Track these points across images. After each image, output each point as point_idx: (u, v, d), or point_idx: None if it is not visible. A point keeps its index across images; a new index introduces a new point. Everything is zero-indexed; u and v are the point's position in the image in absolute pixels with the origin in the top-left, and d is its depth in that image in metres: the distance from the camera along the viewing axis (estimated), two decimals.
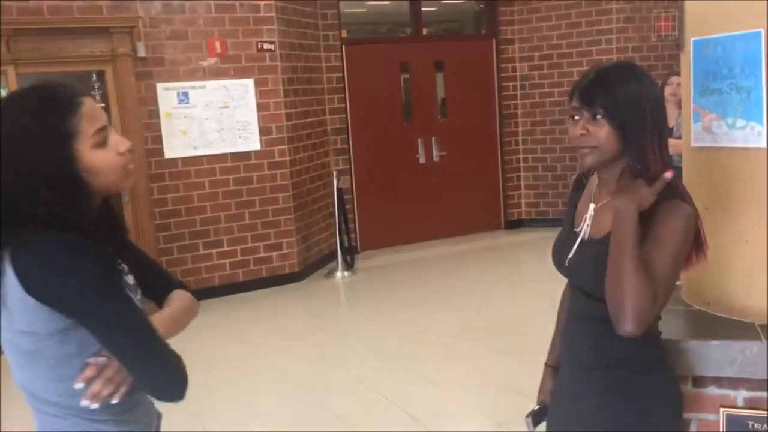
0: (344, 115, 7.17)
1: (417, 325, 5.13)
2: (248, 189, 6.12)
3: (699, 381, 1.84)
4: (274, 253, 6.29)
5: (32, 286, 1.27)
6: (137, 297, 1.49)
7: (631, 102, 1.58)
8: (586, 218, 1.70)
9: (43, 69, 5.03)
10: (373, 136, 7.34)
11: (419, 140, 7.60)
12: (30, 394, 1.38)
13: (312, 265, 6.66)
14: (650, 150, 1.59)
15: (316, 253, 6.79)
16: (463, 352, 4.54)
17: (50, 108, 1.32)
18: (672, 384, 1.73)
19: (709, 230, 1.77)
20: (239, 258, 6.15)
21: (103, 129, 1.37)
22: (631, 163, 1.62)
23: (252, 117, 6.06)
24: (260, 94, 6.07)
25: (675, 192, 1.60)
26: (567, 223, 1.79)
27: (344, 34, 7.20)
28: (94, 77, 5.33)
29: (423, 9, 7.69)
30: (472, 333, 4.86)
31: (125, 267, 1.48)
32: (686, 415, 1.80)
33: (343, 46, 7.11)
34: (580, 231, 1.71)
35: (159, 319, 1.47)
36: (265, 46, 6.05)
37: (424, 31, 7.79)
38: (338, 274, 6.56)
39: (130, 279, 1.49)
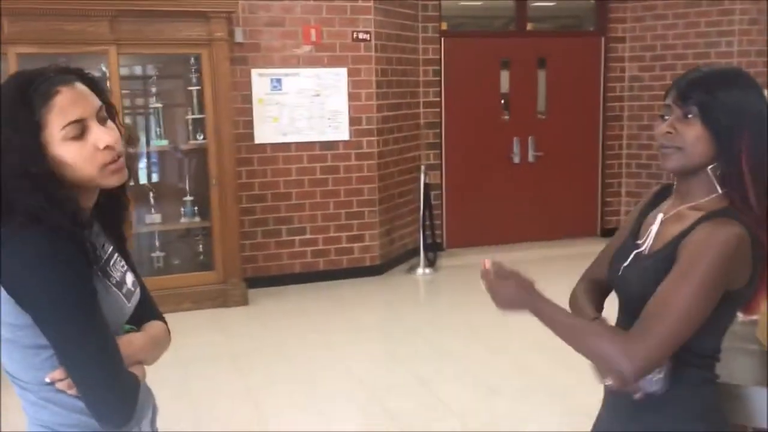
0: (438, 109, 7.03)
1: (491, 331, 4.95)
2: (334, 178, 6.11)
3: None
4: (356, 245, 6.26)
5: (2, 278, 1.26)
6: (130, 303, 1.44)
7: (730, 107, 1.41)
8: (651, 230, 1.53)
9: (142, 50, 5.21)
10: (467, 132, 7.16)
11: (515, 139, 7.35)
12: (15, 382, 1.36)
13: (394, 260, 6.58)
14: (746, 163, 1.40)
15: (399, 248, 6.71)
16: (534, 365, 4.33)
17: (21, 97, 1.28)
18: None
19: None
20: (321, 247, 6.16)
21: (79, 121, 1.30)
22: (718, 174, 1.44)
23: (343, 106, 6.03)
24: (352, 83, 6.04)
25: (726, 209, 1.40)
26: (631, 232, 1.61)
27: (444, 26, 7.05)
28: (192, 60, 5.46)
29: (532, 4, 7.41)
30: (546, 345, 4.57)
31: (123, 268, 1.44)
32: None
33: (442, 39, 6.96)
34: (643, 243, 1.54)
35: (143, 339, 1.43)
36: (361, 35, 6.00)
37: (529, 27, 7.51)
38: (419, 270, 6.45)
39: (129, 280, 1.45)
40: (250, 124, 5.83)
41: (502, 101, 7.43)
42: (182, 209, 5.63)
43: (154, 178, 5.73)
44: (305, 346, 4.74)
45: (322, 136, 6.01)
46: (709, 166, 1.43)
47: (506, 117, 7.43)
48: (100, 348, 1.29)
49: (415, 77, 6.82)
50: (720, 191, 1.44)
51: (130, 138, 5.25)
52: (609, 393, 1.62)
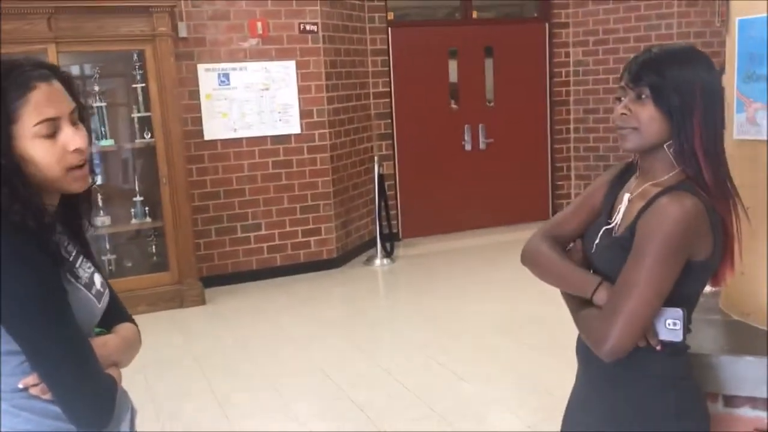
0: (388, 100, 7.02)
1: (452, 318, 4.99)
2: (287, 173, 6.05)
3: (731, 401, 1.66)
4: (313, 239, 6.21)
5: None
6: (101, 303, 1.40)
7: (681, 85, 1.44)
8: (620, 209, 1.57)
9: (83, 48, 5.06)
10: (418, 122, 7.18)
11: (466, 126, 7.40)
12: None
13: (351, 252, 6.56)
14: (698, 141, 1.43)
15: (356, 240, 6.70)
16: (496, 348, 4.37)
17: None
18: (698, 402, 1.55)
19: (751, 232, 1.58)
20: (277, 242, 6.10)
21: (53, 120, 1.26)
22: (673, 152, 1.46)
23: (293, 100, 5.97)
24: (302, 76, 5.98)
25: (682, 182, 1.43)
26: (604, 209, 1.63)
27: (391, 16, 7.03)
28: (135, 57, 5.33)
29: None
30: (506, 328, 4.69)
31: (90, 269, 1.40)
32: None
33: (389, 29, 6.95)
34: (613, 221, 1.57)
35: (117, 340, 1.40)
36: (308, 27, 5.94)
37: (474, 15, 7.55)
38: (377, 261, 6.45)
39: (97, 281, 1.40)
40: (198, 121, 5.72)
41: (451, 90, 7.47)
42: (132, 210, 5.50)
43: (101, 179, 5.57)
44: (267, 343, 4.69)
45: (273, 131, 5.94)
46: (665, 144, 1.46)
47: (456, 106, 7.47)
48: (74, 350, 1.24)
49: (364, 68, 6.80)
50: (678, 168, 1.47)
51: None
52: (582, 364, 1.64)
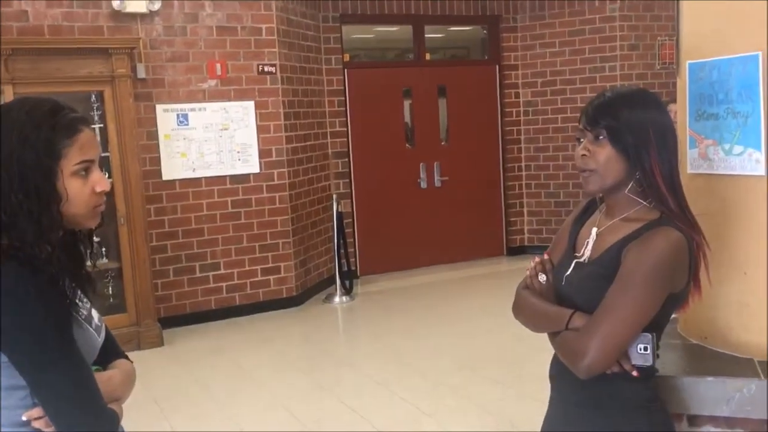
0: (345, 139, 7.13)
1: (413, 354, 5.03)
2: (246, 212, 6.06)
3: (694, 420, 1.75)
4: (272, 277, 6.21)
5: None
6: (100, 337, 1.43)
7: (634, 125, 1.55)
8: (588, 242, 1.65)
9: (40, 89, 4.99)
10: (374, 160, 7.29)
11: (421, 165, 7.55)
12: None
13: (310, 290, 6.57)
14: (658, 174, 1.54)
15: (315, 278, 6.71)
16: (459, 383, 4.43)
17: (51, 121, 1.33)
18: (667, 423, 1.64)
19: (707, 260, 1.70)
20: (236, 281, 6.07)
21: (89, 162, 1.37)
22: (636, 188, 1.57)
23: (252, 139, 6.02)
24: (260, 116, 6.04)
25: (662, 218, 1.54)
26: (569, 243, 1.73)
27: (347, 58, 7.19)
28: (93, 98, 5.31)
29: (428, 35, 7.68)
30: (469, 362, 4.76)
31: (87, 304, 1.43)
32: None
33: (346, 70, 7.09)
34: (582, 254, 1.66)
35: (119, 377, 1.45)
36: (266, 68, 6.03)
37: (427, 56, 7.77)
38: (336, 299, 6.47)
39: (95, 315, 1.44)
40: (157, 161, 5.72)
41: (406, 129, 7.63)
42: (88, 252, 5.41)
43: None
44: (228, 383, 4.64)
45: (232, 170, 5.96)
46: (629, 184, 1.57)
47: (411, 145, 7.62)
48: (80, 384, 1.26)
49: (322, 108, 6.90)
50: (644, 203, 1.58)
51: None
52: (556, 389, 1.71)
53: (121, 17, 5.51)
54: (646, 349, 1.52)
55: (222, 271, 6.01)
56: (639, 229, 1.55)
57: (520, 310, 1.73)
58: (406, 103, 7.57)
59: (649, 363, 1.52)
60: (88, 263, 1.55)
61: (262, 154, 6.06)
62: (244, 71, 5.97)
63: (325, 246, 6.83)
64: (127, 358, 1.54)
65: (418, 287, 6.92)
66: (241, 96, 5.96)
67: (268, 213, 6.14)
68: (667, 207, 1.55)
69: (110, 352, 1.50)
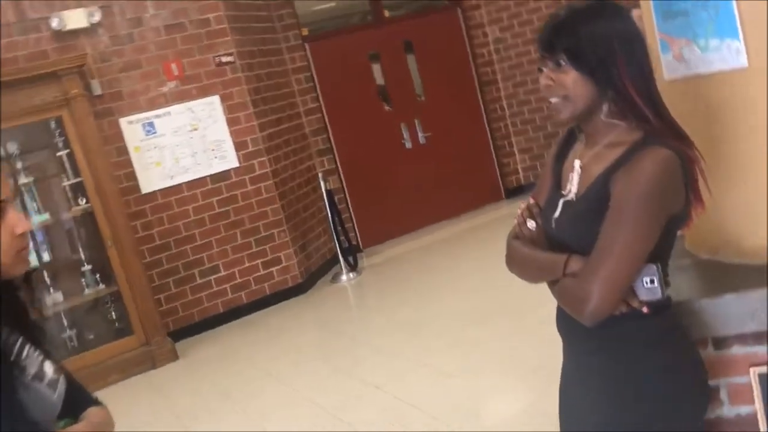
0: (320, 114, 6.94)
1: (427, 318, 4.92)
2: (234, 208, 5.91)
3: (720, 342, 1.62)
4: (274, 269, 6.08)
5: None
6: (56, 392, 1.30)
7: (596, 40, 1.39)
8: (572, 177, 1.51)
9: None
10: (354, 131, 7.11)
11: (401, 125, 7.38)
12: None
13: (315, 273, 6.46)
14: (632, 90, 1.39)
15: (318, 260, 6.59)
16: (477, 338, 4.32)
17: None
18: (689, 354, 1.51)
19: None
20: (239, 280, 5.95)
21: (1, 203, 1.21)
22: (612, 109, 1.43)
23: (224, 134, 5.84)
24: (228, 109, 5.85)
25: (646, 137, 1.39)
26: (553, 181, 1.58)
27: (305, 32, 6.96)
28: (53, 125, 5.14)
29: None
30: (481, 317, 4.65)
31: (39, 358, 1.29)
32: (712, 383, 1.58)
33: (306, 45, 6.88)
34: (568, 191, 1.52)
35: (85, 429, 1.33)
36: (224, 59, 5.82)
37: (386, 14, 7.53)
38: (343, 277, 6.35)
39: (48, 369, 1.30)
40: (132, 175, 5.56)
41: (380, 92, 7.43)
42: (83, 280, 5.29)
43: (45, 256, 5.34)
44: (248, 384, 4.54)
45: (210, 170, 5.80)
46: (603, 106, 1.42)
47: (388, 107, 7.43)
48: None
49: (290, 88, 6.71)
50: (624, 124, 1.44)
51: None
52: (565, 340, 1.59)
53: (64, 36, 5.31)
54: (652, 281, 1.38)
55: (222, 273, 5.89)
56: (624, 154, 1.41)
57: (513, 263, 1.59)
58: (375, 67, 7.36)
59: (658, 296, 1.39)
60: (41, 309, 1.41)
61: (238, 146, 5.89)
62: (202, 66, 5.77)
63: (322, 226, 6.69)
64: (99, 403, 1.41)
65: (423, 249, 6.80)
66: (204, 92, 5.77)
67: (257, 205, 5.99)
68: (649, 123, 1.40)
69: (80, 402, 1.37)
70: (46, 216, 5.20)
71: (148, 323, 5.23)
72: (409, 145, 7.40)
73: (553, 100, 1.44)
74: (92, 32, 5.40)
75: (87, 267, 5.31)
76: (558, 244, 1.50)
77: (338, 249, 6.43)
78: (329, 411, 3.85)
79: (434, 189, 7.46)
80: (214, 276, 5.86)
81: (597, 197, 1.42)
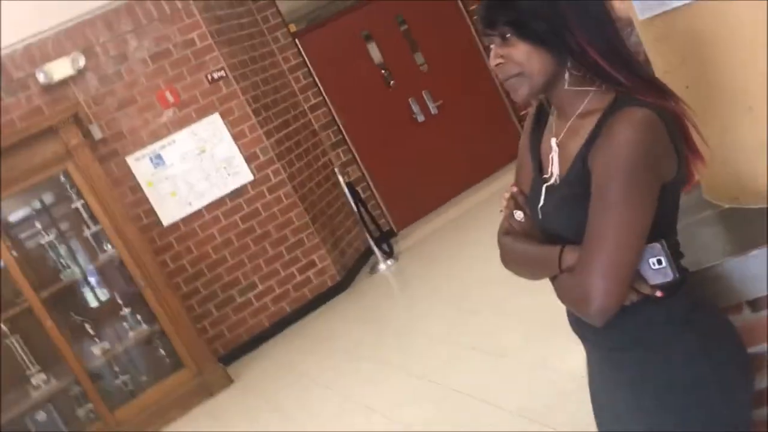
0: (326, 108, 6.80)
1: (472, 292, 4.78)
2: (258, 222, 5.83)
3: (756, 304, 1.44)
4: (310, 273, 6.00)
5: None
6: None
7: (538, 9, 1.23)
8: (552, 158, 1.35)
9: (6, 193, 4.82)
10: (363, 116, 6.95)
11: (410, 100, 7.18)
12: None
13: (353, 269, 6.36)
14: (593, 52, 1.22)
15: (353, 254, 6.49)
16: (527, 307, 4.14)
17: None
18: (721, 328, 1.34)
19: (702, 110, 1.37)
20: (278, 291, 5.89)
21: None
22: (576, 75, 1.26)
23: (232, 150, 5.75)
24: (231, 124, 5.76)
25: (619, 99, 1.22)
26: (533, 164, 1.42)
27: (293, 28, 6.80)
28: (62, 179, 5.11)
29: None
30: (528, 281, 4.45)
31: None
32: (755, 349, 1.41)
33: (296, 41, 6.72)
34: (550, 177, 1.36)
35: None
36: (215, 75, 5.71)
37: None
38: (380, 266, 6.23)
39: None
40: (151, 211, 5.51)
41: (383, 71, 7.24)
42: (125, 324, 5.30)
43: (83, 310, 5.34)
44: (303, 399, 4.48)
45: (226, 189, 5.72)
46: (564, 75, 1.25)
47: (392, 84, 7.24)
48: None
49: (289, 88, 6.57)
50: (594, 89, 1.27)
51: None
52: (582, 340, 1.43)
53: (54, 89, 5.26)
54: (660, 261, 1.21)
55: (260, 288, 5.83)
56: (597, 124, 1.24)
57: (507, 262, 1.44)
58: (371, 46, 7.16)
59: (670, 277, 1.22)
60: None
61: (249, 159, 5.80)
62: (196, 87, 5.67)
63: (350, 220, 6.58)
64: None
65: (456, 222, 6.62)
66: (203, 113, 5.68)
67: (280, 213, 5.90)
68: (619, 83, 1.23)
69: None
70: (76, 270, 5.20)
71: (196, 354, 5.20)
72: (421, 118, 7.20)
73: (509, 82, 1.28)
74: (80, 78, 5.34)
75: (126, 310, 5.30)
76: (549, 235, 1.35)
77: (371, 239, 6.31)
78: (386, 415, 3.75)
79: (457, 157, 7.26)
80: (253, 293, 5.81)
81: (578, 178, 1.26)
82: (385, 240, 6.46)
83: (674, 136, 1.23)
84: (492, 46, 1.30)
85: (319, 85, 6.76)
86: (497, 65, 1.28)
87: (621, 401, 1.36)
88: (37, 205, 5.21)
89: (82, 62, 5.32)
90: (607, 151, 1.19)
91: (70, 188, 5.16)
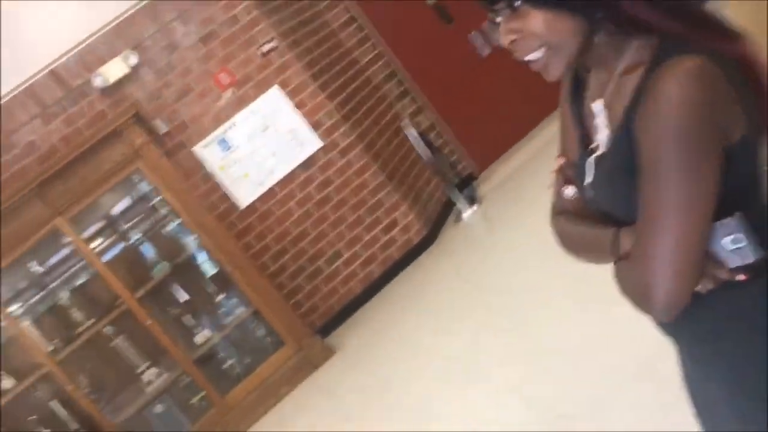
0: (385, 59, 6.54)
1: None
2: (334, 188, 5.73)
3: None
4: (395, 232, 5.87)
5: None
6: None
7: None
8: (597, 124, 1.12)
9: (85, 202, 4.90)
10: (425, 59, 6.65)
11: (472, 34, 6.80)
12: None
13: (438, 221, 6.18)
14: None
15: (436, 206, 6.30)
16: None
17: None
18: None
19: None
20: (365, 255, 5.80)
21: None
22: (612, 30, 1.03)
23: (295, 121, 5.63)
24: (290, 94, 5.61)
25: (663, 47, 0.97)
26: (578, 132, 1.20)
27: None
28: (136, 179, 5.16)
29: None
30: None
31: None
32: None
33: None
34: (597, 146, 1.13)
35: None
36: (266, 47, 5.57)
37: None
38: (466, 214, 6.02)
39: None
40: (226, 197, 5.50)
41: (437, 10, 6.87)
42: (221, 311, 5.37)
43: (178, 301, 5.43)
44: (410, 364, 4.37)
45: (296, 161, 5.62)
46: (597, 34, 1.01)
47: (450, 21, 6.87)
48: None
49: (343, 47, 6.35)
50: (634, 43, 1.02)
51: None
52: (668, 335, 1.21)
53: (112, 90, 5.27)
54: (738, 240, 0.97)
55: (347, 255, 5.76)
56: (641, 82, 1.00)
57: (564, 246, 1.23)
58: None
59: (751, 258, 0.98)
60: None
61: (314, 127, 5.66)
62: (250, 63, 5.55)
63: (428, 171, 6.37)
64: None
65: (538, 154, 6.28)
66: (261, 89, 5.56)
67: (355, 176, 5.77)
68: (662, 27, 0.98)
69: None
70: (166, 265, 5.27)
71: (293, 330, 5.22)
72: (486, 50, 6.83)
73: (531, 56, 1.05)
74: (135, 76, 5.32)
75: (220, 297, 5.37)
76: (604, 213, 1.13)
77: (450, 187, 6.10)
78: (491, 379, 3.61)
79: (529, 85, 6.70)
80: (340, 261, 5.75)
81: (626, 147, 1.03)
82: (467, 185, 6.23)
83: (738, 85, 0.97)
84: (498, 20, 1.06)
85: (374, 37, 6.50)
86: (512, 42, 1.06)
87: (713, 399, 1.14)
88: (117, 209, 5.29)
89: (134, 59, 5.28)
90: (652, 113, 0.96)
91: (145, 187, 5.21)
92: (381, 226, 5.83)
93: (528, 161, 6.29)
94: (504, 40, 1.06)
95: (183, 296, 5.40)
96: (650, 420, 2.53)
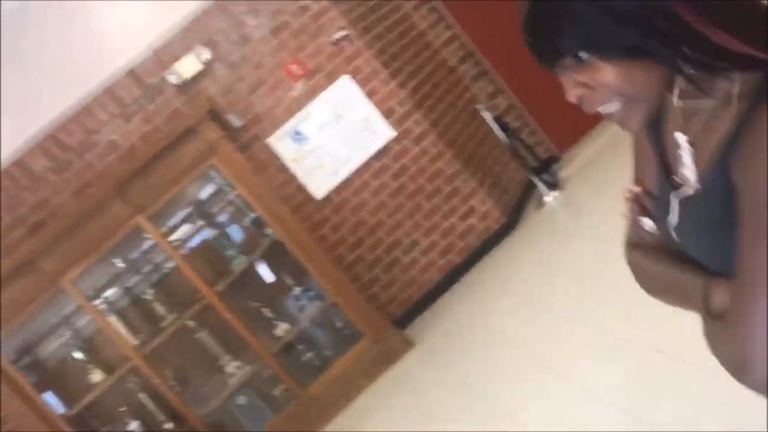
0: (460, 40, 6.35)
1: None
2: (409, 176, 5.61)
3: None
4: (473, 219, 5.72)
5: None
6: None
7: (602, 13, 0.86)
8: (681, 156, 0.96)
9: (164, 199, 4.96)
10: (500, 39, 6.35)
11: None
12: None
13: (518, 206, 5.98)
14: (706, 25, 0.82)
15: (515, 191, 6.10)
16: None
17: None
18: None
19: None
20: (443, 244, 5.68)
21: None
22: (695, 68, 0.87)
23: (368, 110, 5.53)
24: (361, 82, 5.52)
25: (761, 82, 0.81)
26: (657, 160, 1.05)
27: None
28: (212, 174, 5.19)
29: None
30: None
31: None
32: None
33: None
34: (682, 183, 0.98)
35: None
36: (337, 36, 5.48)
37: None
38: (546, 199, 5.80)
39: None
40: (301, 188, 5.48)
41: None
42: (298, 303, 5.37)
43: (254, 297, 5.46)
44: (493, 358, 4.23)
45: (370, 150, 5.54)
46: (678, 73, 0.86)
47: None
48: None
49: (416, 29, 6.18)
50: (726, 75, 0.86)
51: None
52: None
53: (187, 86, 5.31)
54: None
55: (424, 244, 5.65)
56: (740, 117, 0.84)
57: (645, 285, 1.08)
58: None
59: None
60: None
61: (387, 115, 5.55)
62: (320, 53, 5.48)
63: (506, 155, 6.16)
64: None
65: (622, 135, 5.95)
66: (332, 78, 5.49)
67: (429, 163, 5.64)
68: (759, 62, 0.82)
69: None
70: (243, 259, 5.30)
71: (372, 321, 5.17)
72: None
73: (608, 110, 0.90)
74: (209, 71, 5.34)
75: (296, 290, 5.36)
76: (686, 254, 0.97)
77: (530, 171, 5.87)
78: (577, 379, 3.44)
79: None
80: (417, 250, 5.65)
81: (720, 192, 0.88)
82: (547, 169, 5.99)
83: None
84: (561, 72, 0.92)
85: (448, 17, 6.31)
86: (582, 97, 0.92)
87: None
88: (196, 203, 5.34)
89: (207, 54, 5.30)
90: (758, 161, 0.81)
91: (222, 181, 5.24)
92: (458, 214, 5.68)
93: (611, 142, 5.98)
94: (570, 95, 0.92)
95: (270, 277, 5.32)
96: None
